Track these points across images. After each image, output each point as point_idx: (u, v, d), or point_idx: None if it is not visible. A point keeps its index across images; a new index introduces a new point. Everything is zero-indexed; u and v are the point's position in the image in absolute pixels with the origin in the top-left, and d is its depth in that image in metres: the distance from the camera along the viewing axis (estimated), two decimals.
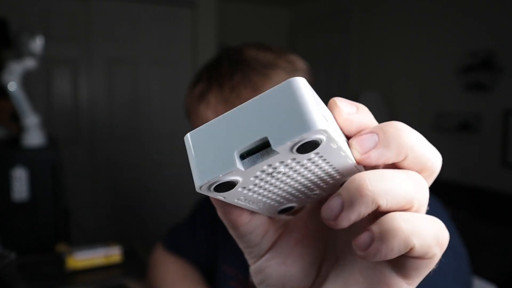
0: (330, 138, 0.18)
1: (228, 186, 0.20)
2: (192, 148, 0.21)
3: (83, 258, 1.09)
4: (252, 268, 0.26)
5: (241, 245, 0.26)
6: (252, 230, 0.24)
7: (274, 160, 0.19)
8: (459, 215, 2.25)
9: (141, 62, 3.08)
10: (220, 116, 0.20)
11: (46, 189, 1.41)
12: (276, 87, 0.19)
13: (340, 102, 0.22)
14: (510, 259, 1.94)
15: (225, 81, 0.58)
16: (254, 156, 0.19)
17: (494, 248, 2.00)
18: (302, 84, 0.18)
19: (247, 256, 0.26)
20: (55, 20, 2.79)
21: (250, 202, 0.22)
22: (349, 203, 0.20)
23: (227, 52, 0.63)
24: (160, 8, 3.09)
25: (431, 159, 0.23)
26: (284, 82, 0.18)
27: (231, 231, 0.25)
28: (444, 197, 2.78)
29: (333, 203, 0.20)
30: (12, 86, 1.44)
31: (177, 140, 3.22)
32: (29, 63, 1.48)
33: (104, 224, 3.01)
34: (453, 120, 2.57)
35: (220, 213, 0.24)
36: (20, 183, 1.37)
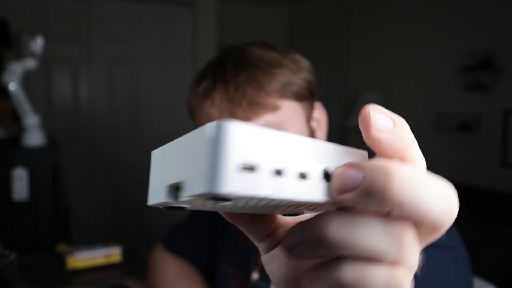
0: (246, 198, 0.17)
1: (179, 207, 0.20)
2: (151, 167, 0.22)
3: (83, 258, 1.09)
4: (262, 258, 0.25)
5: (249, 237, 0.25)
6: (254, 230, 0.23)
7: (195, 199, 0.18)
8: (458, 215, 2.25)
9: (141, 62, 3.08)
10: (171, 142, 0.20)
11: (46, 189, 1.41)
12: (206, 128, 0.17)
13: (374, 114, 0.19)
14: (509, 259, 1.94)
15: (230, 79, 0.58)
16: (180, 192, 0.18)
17: (493, 248, 2.00)
18: (230, 132, 0.16)
19: (257, 245, 0.25)
20: (56, 20, 2.79)
21: (239, 209, 0.20)
22: (308, 243, 0.18)
23: (232, 51, 0.63)
24: (160, 8, 3.09)
25: (431, 215, 0.19)
26: (212, 125, 0.17)
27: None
28: None
29: (292, 238, 0.19)
30: (13, 86, 1.45)
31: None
32: (30, 63, 1.48)
33: (104, 224, 3.01)
34: (453, 120, 2.57)
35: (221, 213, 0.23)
36: (20, 183, 1.37)
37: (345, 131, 3.30)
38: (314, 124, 0.67)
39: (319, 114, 0.69)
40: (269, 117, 0.58)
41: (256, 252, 0.70)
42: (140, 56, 3.06)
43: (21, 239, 1.39)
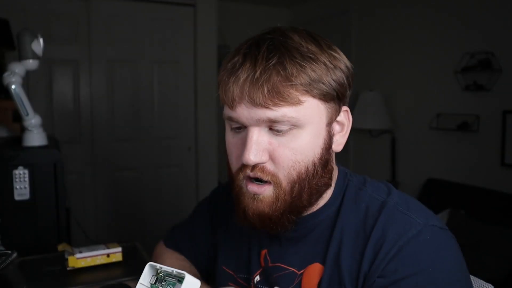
0: None
1: None
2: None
3: (85, 257, 1.10)
4: None
5: None
6: None
7: None
8: (458, 215, 2.25)
9: (142, 62, 3.08)
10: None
11: (48, 189, 1.42)
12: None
13: None
14: (508, 259, 1.95)
15: (260, 61, 0.55)
16: None
17: (492, 248, 2.00)
18: None
19: None
20: (56, 20, 2.80)
21: None
22: None
23: (273, 32, 0.60)
24: (161, 8, 3.10)
25: None
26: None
27: None
28: (443, 197, 2.78)
29: None
30: (14, 86, 1.45)
31: (177, 140, 3.23)
32: (31, 63, 1.49)
33: (104, 224, 3.02)
34: (452, 120, 2.57)
35: None
36: (22, 183, 1.38)
37: None
38: (336, 128, 0.63)
39: (345, 118, 0.64)
40: (287, 110, 0.55)
41: (259, 255, 0.71)
42: (140, 56, 3.07)
43: (22, 238, 1.40)
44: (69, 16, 2.84)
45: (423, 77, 2.78)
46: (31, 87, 2.75)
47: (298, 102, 0.55)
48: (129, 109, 3.07)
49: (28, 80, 2.72)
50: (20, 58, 1.48)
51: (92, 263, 1.10)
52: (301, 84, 0.55)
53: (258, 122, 0.56)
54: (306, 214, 0.64)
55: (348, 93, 0.62)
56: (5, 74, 1.45)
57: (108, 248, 1.14)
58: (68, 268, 1.09)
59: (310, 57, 0.56)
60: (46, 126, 1.56)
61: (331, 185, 0.64)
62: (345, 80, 0.60)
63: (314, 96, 0.57)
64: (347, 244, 0.60)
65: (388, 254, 0.55)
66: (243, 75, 0.56)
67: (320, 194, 0.63)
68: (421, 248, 0.55)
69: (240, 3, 3.85)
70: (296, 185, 0.58)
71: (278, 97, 0.54)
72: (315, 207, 0.65)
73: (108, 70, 2.98)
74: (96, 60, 2.93)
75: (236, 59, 0.58)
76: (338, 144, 0.63)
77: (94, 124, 2.96)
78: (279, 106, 0.55)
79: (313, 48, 0.57)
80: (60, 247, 1.12)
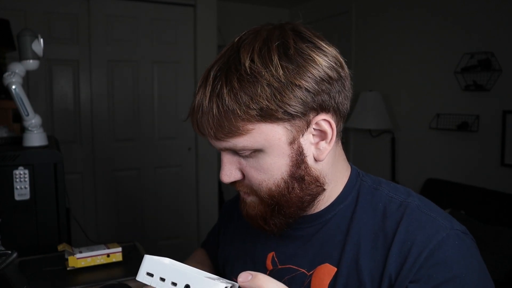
0: None
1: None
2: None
3: (85, 257, 1.10)
4: None
5: None
6: None
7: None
8: (458, 215, 2.26)
9: (142, 62, 3.09)
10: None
11: (48, 189, 1.42)
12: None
13: None
14: (508, 259, 1.95)
15: (207, 87, 0.55)
16: None
17: (491, 248, 2.00)
18: (145, 260, 0.45)
19: None
20: (56, 21, 2.80)
21: None
22: None
23: (232, 48, 0.57)
24: (161, 8, 3.10)
25: None
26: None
27: None
28: (443, 197, 2.78)
29: None
30: (14, 86, 1.45)
31: (177, 140, 3.23)
32: (31, 64, 1.49)
33: (104, 224, 3.02)
34: (452, 120, 2.58)
35: None
36: (22, 183, 1.38)
37: (345, 131, 3.31)
38: (311, 139, 0.58)
39: (327, 127, 0.57)
40: (237, 140, 0.54)
41: (265, 258, 0.70)
42: (140, 56, 3.07)
43: (22, 238, 1.40)
44: (69, 16, 2.84)
45: (423, 77, 2.79)
46: (31, 87, 2.76)
47: (246, 131, 0.53)
48: (129, 109, 3.07)
49: (28, 80, 2.72)
50: (20, 58, 1.48)
51: (92, 263, 1.11)
52: (246, 114, 0.52)
53: (223, 149, 0.58)
54: (311, 213, 0.64)
55: (326, 98, 0.55)
56: (5, 74, 1.45)
57: (108, 248, 1.14)
58: (68, 268, 1.09)
59: (255, 79, 0.51)
60: (46, 126, 1.57)
61: (325, 189, 0.62)
62: (310, 93, 0.53)
63: (264, 121, 0.53)
64: (366, 246, 0.59)
65: (419, 258, 0.54)
66: (196, 102, 0.56)
67: (311, 200, 0.61)
68: (452, 253, 0.54)
69: (240, 3, 3.85)
70: (273, 199, 0.59)
71: (223, 131, 0.54)
72: (321, 206, 0.64)
73: (108, 70, 2.98)
74: (96, 60, 2.94)
75: (202, 76, 0.58)
76: (322, 153, 0.58)
77: (94, 124, 2.96)
78: (228, 138, 0.54)
79: (260, 68, 0.52)
80: (60, 247, 1.12)
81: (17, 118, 2.00)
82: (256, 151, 0.56)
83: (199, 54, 3.19)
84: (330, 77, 0.55)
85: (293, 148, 0.56)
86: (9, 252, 0.84)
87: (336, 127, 0.58)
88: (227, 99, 0.52)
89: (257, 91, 0.51)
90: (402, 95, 2.95)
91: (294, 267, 0.65)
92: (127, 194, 3.10)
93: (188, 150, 3.27)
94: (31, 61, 1.49)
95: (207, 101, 0.54)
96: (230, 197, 0.90)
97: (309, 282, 0.62)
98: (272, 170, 0.57)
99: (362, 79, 3.23)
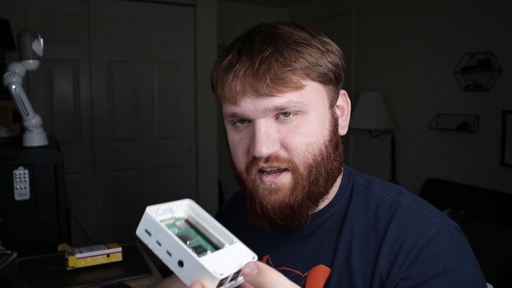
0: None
1: None
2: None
3: (85, 257, 1.10)
4: None
5: None
6: None
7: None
8: (458, 215, 2.26)
9: (142, 62, 3.09)
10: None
11: (48, 189, 1.42)
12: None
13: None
14: (508, 259, 1.95)
15: (256, 52, 0.56)
16: None
17: (491, 248, 2.00)
18: (147, 214, 0.38)
19: None
20: (56, 21, 2.80)
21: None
22: None
23: (261, 26, 0.61)
24: (161, 8, 3.10)
25: None
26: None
27: None
28: (443, 197, 2.77)
29: None
30: (14, 86, 1.45)
31: (177, 140, 3.23)
32: (31, 64, 1.49)
33: (104, 224, 3.02)
34: (452, 120, 2.58)
35: None
36: (22, 183, 1.38)
37: None
38: (337, 111, 0.64)
39: (343, 102, 0.66)
40: (291, 95, 0.56)
41: (260, 260, 0.70)
42: (140, 56, 3.07)
43: (22, 238, 1.40)
44: (69, 16, 2.84)
45: (423, 77, 2.79)
46: (31, 87, 2.76)
47: (300, 87, 0.56)
48: (129, 109, 3.07)
49: (28, 80, 2.72)
50: (21, 58, 1.48)
51: (92, 263, 1.11)
52: (301, 68, 0.56)
53: (265, 113, 0.56)
54: (310, 212, 0.64)
55: (342, 74, 0.64)
56: (5, 74, 1.45)
57: (108, 248, 1.14)
58: (68, 268, 1.09)
59: (303, 42, 0.58)
60: (46, 126, 1.57)
61: (341, 170, 0.65)
62: (339, 61, 0.62)
63: (314, 80, 0.58)
64: (358, 245, 0.59)
65: (409, 255, 0.54)
66: (242, 69, 0.56)
67: (334, 180, 0.63)
68: (442, 248, 0.54)
69: (240, 3, 3.85)
70: (313, 169, 0.58)
71: (281, 83, 0.55)
72: (320, 206, 0.64)
73: (108, 70, 2.98)
74: (96, 60, 2.94)
75: (230, 56, 0.58)
76: (342, 127, 0.65)
77: (94, 124, 2.96)
78: (283, 93, 0.55)
79: (303, 34, 0.59)
80: (60, 247, 1.12)
81: (17, 118, 2.00)
82: (300, 114, 0.58)
83: (199, 54, 3.19)
84: (343, 55, 0.64)
85: (331, 113, 0.62)
86: (9, 252, 0.84)
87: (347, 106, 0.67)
88: (287, 54, 0.56)
89: (311, 50, 0.57)
90: (402, 95, 2.95)
91: (288, 269, 0.65)
92: (127, 194, 3.10)
93: (188, 150, 3.27)
94: (31, 61, 1.49)
95: (260, 61, 0.55)
96: (230, 197, 0.90)
97: (304, 284, 0.62)
98: (317, 133, 0.59)
99: (362, 79, 3.23)
